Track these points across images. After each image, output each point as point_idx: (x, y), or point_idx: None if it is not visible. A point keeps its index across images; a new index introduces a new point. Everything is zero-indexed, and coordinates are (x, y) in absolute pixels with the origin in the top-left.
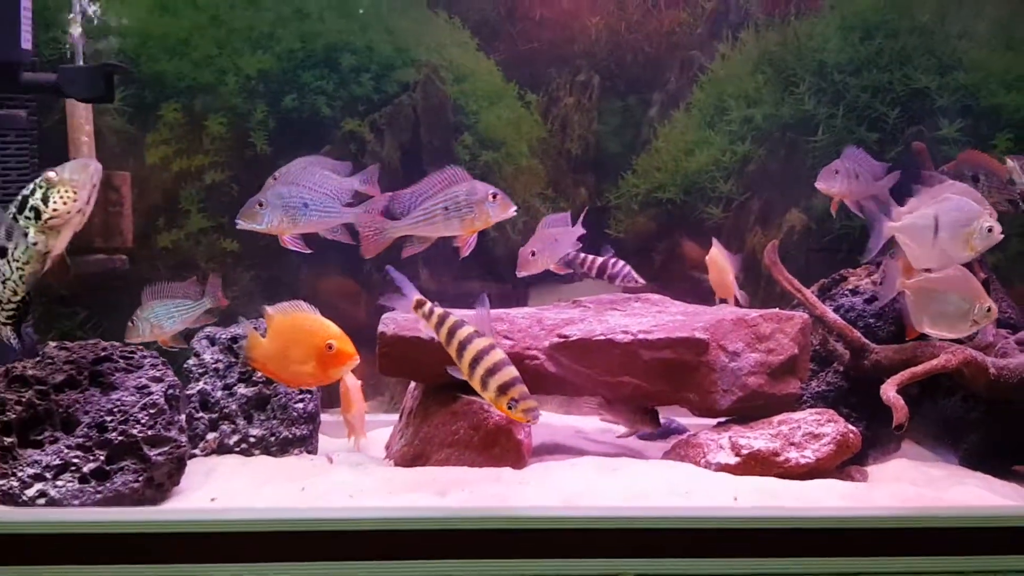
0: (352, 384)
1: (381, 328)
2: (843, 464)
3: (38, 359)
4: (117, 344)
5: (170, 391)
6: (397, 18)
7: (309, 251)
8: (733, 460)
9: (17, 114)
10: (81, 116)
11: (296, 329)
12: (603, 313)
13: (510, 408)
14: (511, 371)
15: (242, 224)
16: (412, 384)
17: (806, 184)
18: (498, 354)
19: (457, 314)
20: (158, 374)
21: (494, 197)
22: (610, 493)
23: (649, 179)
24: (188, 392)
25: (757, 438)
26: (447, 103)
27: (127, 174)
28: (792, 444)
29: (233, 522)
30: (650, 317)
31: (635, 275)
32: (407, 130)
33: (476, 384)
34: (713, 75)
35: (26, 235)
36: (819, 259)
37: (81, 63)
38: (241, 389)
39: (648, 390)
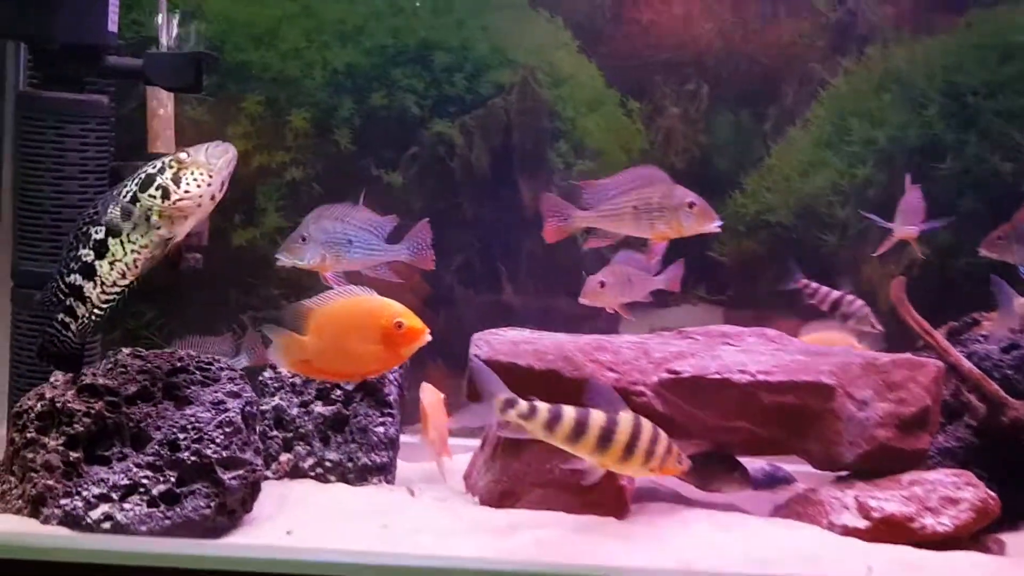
0: (433, 401)
1: (473, 350)
2: (976, 533)
3: (110, 366)
4: (193, 354)
5: (247, 408)
6: (495, 16)
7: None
8: (862, 524)
9: (100, 100)
10: (162, 105)
11: (351, 315)
12: (715, 347)
13: (678, 464)
14: (663, 434)
15: (284, 259)
16: None
17: (931, 213)
18: (647, 425)
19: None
20: (236, 389)
21: (691, 206)
22: (730, 556)
23: (758, 200)
24: (262, 407)
25: (888, 500)
26: (543, 107)
27: None
28: (928, 508)
29: (312, 564)
30: (768, 355)
31: (873, 318)
32: (499, 134)
33: (632, 467)
34: (834, 91)
35: (149, 216)
36: (946, 298)
37: (166, 49)
38: (318, 408)
39: (764, 437)
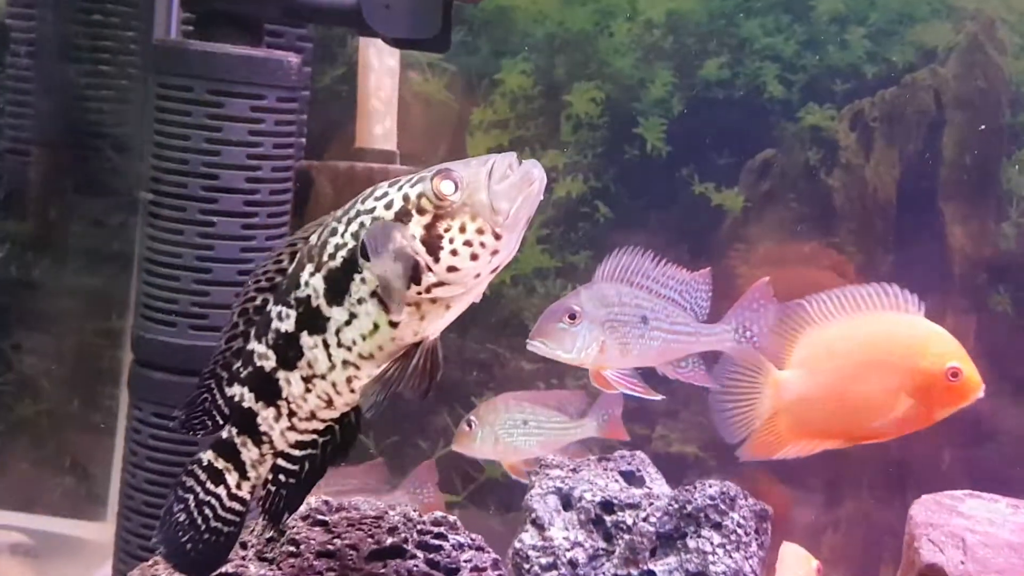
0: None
1: (928, 557)
2: None
3: (271, 535)
4: (414, 516)
5: None
6: None
7: (660, 397)
8: None
9: (286, 60)
10: (383, 72)
11: (876, 341)
12: None
13: None
14: None
15: (539, 347)
16: None
17: None
18: None
19: None
20: None
21: None
22: None
23: None
24: None
25: None
26: (1003, 89)
27: None
28: None
29: None
30: None
31: None
32: (918, 132)
33: None
34: None
35: (389, 302)
36: None
37: None
38: None
39: None
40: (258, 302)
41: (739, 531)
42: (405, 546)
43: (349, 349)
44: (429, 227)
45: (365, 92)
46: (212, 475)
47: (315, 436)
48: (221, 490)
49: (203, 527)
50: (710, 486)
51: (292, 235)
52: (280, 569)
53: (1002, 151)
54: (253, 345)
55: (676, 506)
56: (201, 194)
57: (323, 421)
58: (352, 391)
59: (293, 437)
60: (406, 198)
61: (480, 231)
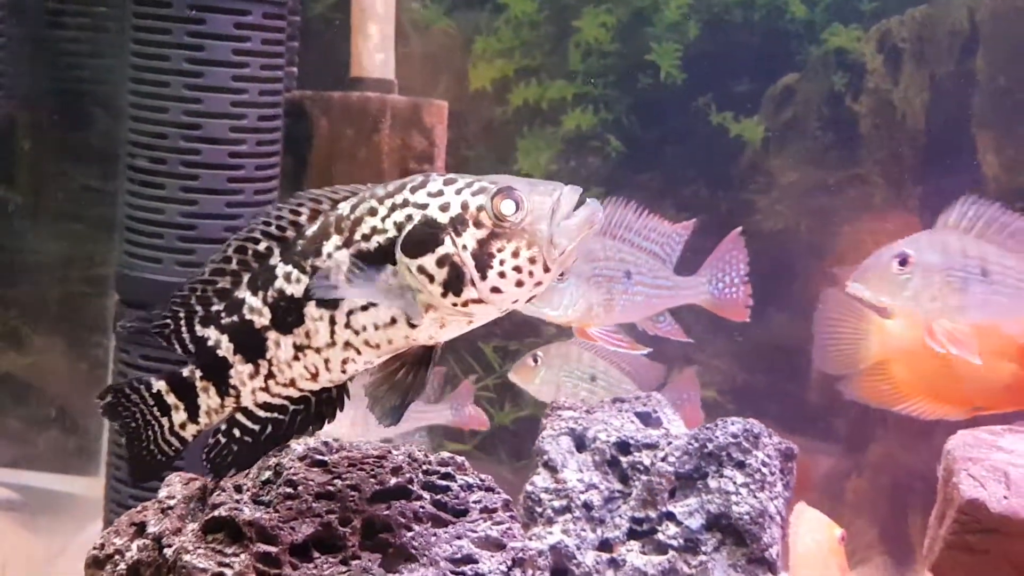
0: (820, 542)
1: (969, 492)
2: None
3: (267, 478)
4: (419, 456)
5: (516, 572)
6: None
7: (647, 350)
8: None
9: None
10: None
11: None
12: None
13: None
14: None
15: (535, 309)
16: None
17: None
18: None
19: None
20: (496, 532)
21: None
22: None
23: None
24: (528, 549)
25: None
26: None
27: (443, 105)
28: None
29: None
30: None
31: None
32: (950, 54)
33: None
34: None
35: (407, 299)
36: None
37: None
38: (633, 556)
39: None
40: (261, 248)
41: (763, 470)
42: (410, 487)
43: (356, 333)
44: (483, 243)
45: (360, 18)
46: (159, 404)
47: (286, 403)
48: (164, 421)
49: (145, 443)
50: (732, 423)
51: (294, 182)
52: (277, 512)
53: None
54: (245, 295)
55: (696, 445)
56: (183, 119)
57: (300, 391)
58: (343, 372)
59: (263, 398)
60: (464, 206)
61: (532, 260)
